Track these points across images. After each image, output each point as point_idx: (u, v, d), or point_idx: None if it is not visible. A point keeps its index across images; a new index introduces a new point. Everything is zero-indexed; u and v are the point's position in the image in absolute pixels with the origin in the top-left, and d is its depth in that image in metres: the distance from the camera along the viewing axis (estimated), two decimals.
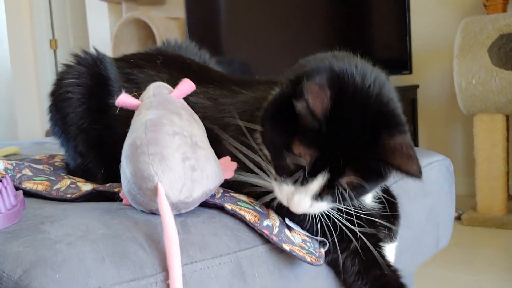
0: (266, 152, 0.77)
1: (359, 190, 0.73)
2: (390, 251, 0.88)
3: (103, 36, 4.15)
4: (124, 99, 0.77)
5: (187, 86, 0.79)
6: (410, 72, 3.32)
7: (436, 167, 1.13)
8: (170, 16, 3.97)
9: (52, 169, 0.99)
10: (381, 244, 0.83)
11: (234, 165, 0.78)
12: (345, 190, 0.71)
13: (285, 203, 0.73)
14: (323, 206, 0.74)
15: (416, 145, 3.44)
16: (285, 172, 0.71)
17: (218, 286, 0.63)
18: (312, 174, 0.69)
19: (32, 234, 0.59)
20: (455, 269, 2.32)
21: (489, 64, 2.68)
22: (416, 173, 0.68)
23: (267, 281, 0.69)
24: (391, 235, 0.89)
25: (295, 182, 0.71)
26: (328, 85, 0.66)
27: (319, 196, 0.72)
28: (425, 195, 1.06)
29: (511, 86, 2.63)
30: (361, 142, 0.68)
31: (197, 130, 0.72)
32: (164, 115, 0.68)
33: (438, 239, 1.12)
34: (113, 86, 0.97)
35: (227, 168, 0.76)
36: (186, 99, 0.83)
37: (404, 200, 1.00)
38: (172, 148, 0.65)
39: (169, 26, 3.69)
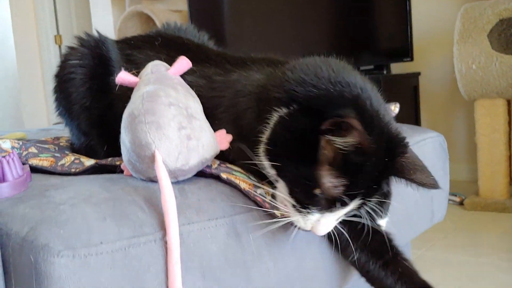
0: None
1: (384, 205, 0.77)
2: (381, 225, 0.91)
3: (107, 30, 4.18)
4: (123, 77, 0.81)
5: (183, 63, 0.83)
6: (411, 59, 3.34)
7: (429, 143, 1.16)
8: (172, 8, 4.01)
9: (57, 148, 1.03)
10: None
11: (229, 137, 0.81)
12: (370, 208, 0.74)
13: (308, 229, 0.73)
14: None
15: None
16: (312, 203, 0.71)
17: (214, 245, 0.67)
18: (345, 203, 0.71)
19: (38, 199, 0.63)
20: (458, 252, 2.35)
21: (489, 49, 2.69)
22: (435, 185, 0.73)
23: (262, 243, 0.73)
24: (381, 211, 0.92)
25: (321, 210, 0.71)
26: (358, 119, 0.66)
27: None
28: None
29: (511, 71, 2.65)
30: (382, 164, 0.70)
31: (193, 103, 0.75)
32: (160, 88, 0.72)
33: (432, 212, 1.15)
34: (114, 66, 1.01)
35: (222, 140, 0.80)
36: (182, 78, 0.87)
37: None
38: (168, 117, 0.68)
39: (172, 19, 3.72)
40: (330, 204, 0.70)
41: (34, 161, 0.88)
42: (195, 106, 0.76)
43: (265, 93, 0.80)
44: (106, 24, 4.21)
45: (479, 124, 2.89)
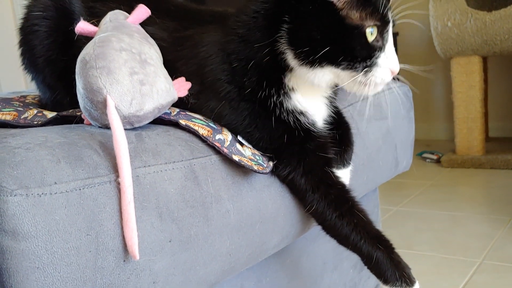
0: None
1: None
2: (344, 175, 0.94)
3: None
4: (82, 26, 0.81)
5: (142, 11, 0.83)
6: None
7: (393, 93, 1.18)
8: None
9: (22, 104, 1.03)
10: (332, 163, 0.89)
11: (188, 84, 0.82)
12: None
13: (394, 70, 0.81)
14: None
15: None
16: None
17: (171, 187, 0.69)
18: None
19: None
20: (433, 207, 2.41)
21: (464, 6, 2.70)
22: None
23: (220, 185, 0.75)
24: (343, 161, 0.95)
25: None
26: None
27: None
28: (381, 118, 1.11)
29: (486, 27, 2.67)
30: None
31: (148, 49, 0.76)
32: (113, 34, 0.73)
33: (397, 160, 1.18)
34: (77, 19, 1.01)
35: (181, 87, 0.81)
36: (144, 28, 0.87)
37: (359, 120, 1.05)
38: (119, 62, 0.69)
39: None
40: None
41: None
42: (150, 52, 0.76)
43: (222, 50, 0.85)
44: None
45: (456, 81, 2.92)
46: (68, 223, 0.58)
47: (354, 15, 0.77)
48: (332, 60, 0.77)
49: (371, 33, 0.78)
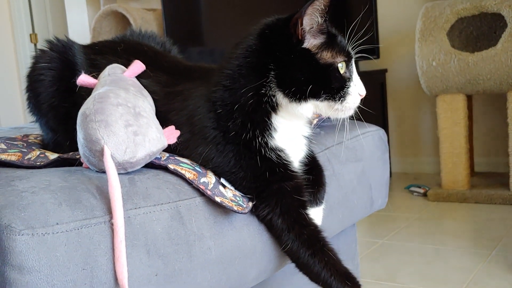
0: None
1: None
2: (316, 213, 1.03)
3: (82, 29, 4.26)
4: (83, 79, 0.91)
5: (137, 66, 0.93)
6: (378, 57, 3.46)
7: (369, 136, 1.27)
8: (146, 7, 4.09)
9: (25, 144, 1.12)
10: (306, 206, 0.98)
11: (177, 132, 0.92)
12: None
13: (362, 94, 0.96)
14: None
15: (386, 127, 3.57)
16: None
17: (158, 226, 0.77)
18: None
19: (3, 187, 0.72)
20: (417, 240, 2.47)
21: (448, 47, 2.82)
22: None
23: (203, 224, 0.84)
24: (316, 200, 1.04)
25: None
26: None
27: None
28: (356, 160, 1.20)
29: (469, 68, 2.78)
30: None
31: (142, 103, 0.86)
32: (111, 90, 0.83)
33: (372, 199, 1.27)
34: (79, 70, 1.11)
35: (170, 136, 0.90)
36: (139, 80, 0.97)
37: (335, 163, 1.14)
38: (116, 116, 0.79)
39: (146, 18, 3.80)
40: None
41: (2, 156, 0.97)
42: (144, 105, 0.86)
43: (208, 101, 0.96)
44: (81, 23, 4.27)
45: (441, 118, 3.01)
46: (67, 259, 0.66)
47: (327, 55, 0.93)
48: (314, 94, 0.93)
49: (341, 68, 0.93)
